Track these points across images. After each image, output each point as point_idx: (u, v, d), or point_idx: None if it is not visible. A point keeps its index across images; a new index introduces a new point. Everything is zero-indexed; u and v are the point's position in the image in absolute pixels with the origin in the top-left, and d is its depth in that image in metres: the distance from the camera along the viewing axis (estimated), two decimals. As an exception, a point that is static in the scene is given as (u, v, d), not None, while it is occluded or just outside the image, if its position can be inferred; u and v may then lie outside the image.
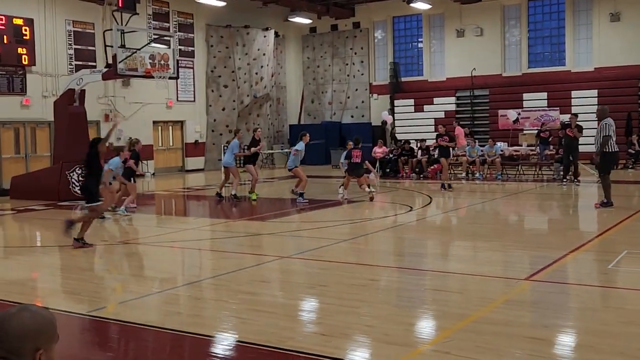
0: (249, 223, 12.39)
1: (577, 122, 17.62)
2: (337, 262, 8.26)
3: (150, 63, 16.71)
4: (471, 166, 20.86)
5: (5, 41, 19.94)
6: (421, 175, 21.03)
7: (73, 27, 22.37)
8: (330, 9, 29.63)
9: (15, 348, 1.99)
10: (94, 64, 22.37)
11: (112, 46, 16.34)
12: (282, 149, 28.97)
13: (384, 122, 27.72)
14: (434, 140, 17.96)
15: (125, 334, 5.73)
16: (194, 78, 27.03)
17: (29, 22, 20.60)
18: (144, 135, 23.53)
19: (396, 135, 27.46)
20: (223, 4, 25.61)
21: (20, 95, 20.73)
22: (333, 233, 10.76)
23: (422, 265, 8.30)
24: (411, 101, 28.93)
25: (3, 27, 19.85)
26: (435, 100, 28.47)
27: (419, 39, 30.08)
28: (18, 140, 20.94)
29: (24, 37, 20.44)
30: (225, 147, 19.86)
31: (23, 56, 20.44)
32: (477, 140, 21.98)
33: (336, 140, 29.00)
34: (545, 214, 13.68)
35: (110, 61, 16.63)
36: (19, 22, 20.34)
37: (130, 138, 14.92)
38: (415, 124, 27.78)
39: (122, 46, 16.32)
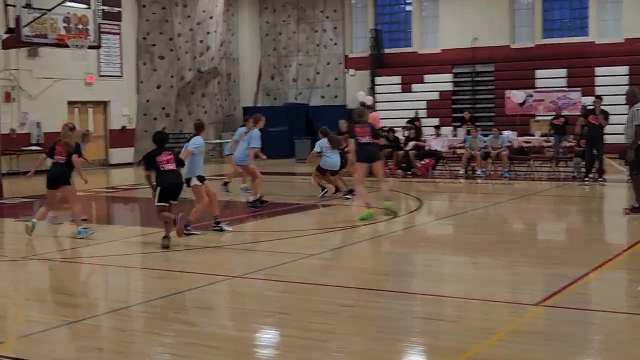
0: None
1: (602, 107, 17.86)
2: (302, 282, 8.23)
3: (64, 27, 16.67)
4: (471, 161, 21.03)
5: None
6: (408, 172, 21.13)
7: (-37, -21, 22.06)
8: (295, -40, 29.62)
9: None
10: (-9, 27, 22.11)
11: (14, 5, 16.19)
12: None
13: (362, 105, 27.78)
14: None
15: (29, 377, 5.65)
16: (120, 47, 26.82)
17: None
18: (57, 119, 23.19)
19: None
20: (158, -48, 25.47)
21: None
22: (298, 246, 10.72)
23: (410, 287, 8.32)
24: (397, 78, 29.09)
25: None
26: (427, 77, 28.65)
27: (407, 1, 30.23)
28: None
29: None
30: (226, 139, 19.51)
31: None
32: (479, 129, 22.16)
33: (302, 127, 28.94)
34: (563, 221, 13.84)
35: (12, 25, 16.46)
36: None
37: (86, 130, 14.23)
38: (402, 108, 27.84)
39: (28, 6, 16.21)
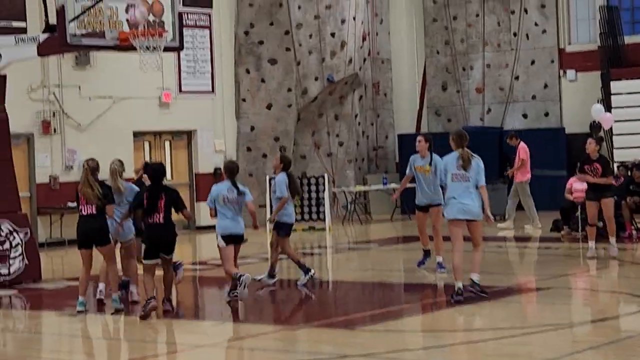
0: (322, 333, 12.49)
1: None
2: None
3: (128, 22, 17.07)
4: None
5: None
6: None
7: (-16, -44, 23.28)
8: None
9: None
10: (21, 25, 23.08)
11: (55, -8, 16.81)
12: (384, 183, 28.98)
13: (596, 126, 27.32)
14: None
15: None
16: (211, 48, 27.55)
17: None
18: (118, 157, 23.97)
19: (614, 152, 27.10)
20: None
21: None
22: (495, 354, 10.67)
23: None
24: (645, 83, 28.61)
25: None
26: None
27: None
28: None
29: None
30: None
31: None
32: None
33: (495, 160, 28.68)
34: None
35: (53, 21, 17.07)
36: None
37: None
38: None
39: (75, -9, 16.77)
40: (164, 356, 11.43)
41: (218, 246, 14.44)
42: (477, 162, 13.80)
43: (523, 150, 23.83)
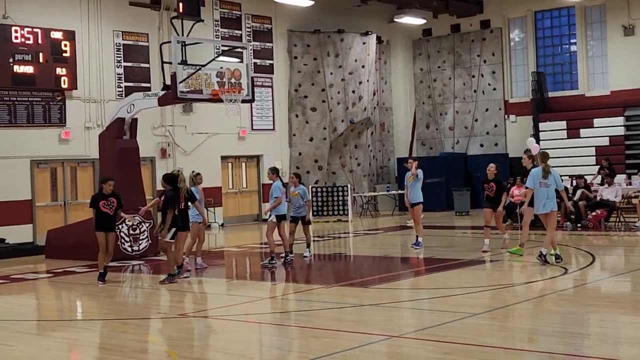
0: (345, 290, 12.48)
1: None
2: (466, 344, 8.11)
3: (218, 83, 17.15)
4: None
5: (41, 60, 21.00)
6: (578, 225, 20.50)
7: (122, 39, 23.44)
8: (450, 4, 29.60)
9: None
10: (147, 85, 23.26)
11: (170, 62, 16.93)
12: (387, 190, 29.01)
13: (528, 151, 27.15)
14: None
15: None
16: (272, 100, 27.65)
17: (70, 36, 21.69)
18: (211, 174, 24.15)
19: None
20: (310, 3, 26.10)
21: (58, 127, 21.81)
22: (460, 304, 10.62)
23: (583, 350, 8.02)
24: (562, 123, 28.37)
25: (39, 43, 20.95)
26: (596, 121, 27.78)
27: (571, 40, 29.58)
28: (55, 184, 21.97)
29: (64, 55, 21.46)
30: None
31: (62, 78, 21.46)
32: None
33: (460, 177, 28.76)
34: None
35: (168, 82, 17.22)
36: (58, 36, 21.44)
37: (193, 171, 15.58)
38: (569, 155, 27.14)
39: (183, 62, 16.90)
40: (241, 305, 11.45)
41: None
42: (554, 174, 13.95)
43: None
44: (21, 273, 15.59)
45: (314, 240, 16.88)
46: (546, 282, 12.46)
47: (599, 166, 24.73)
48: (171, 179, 13.60)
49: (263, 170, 27.42)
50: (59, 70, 21.38)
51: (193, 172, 15.34)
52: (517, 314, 10.13)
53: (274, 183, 15.46)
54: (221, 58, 19.78)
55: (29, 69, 20.77)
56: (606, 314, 9.97)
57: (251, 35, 27.01)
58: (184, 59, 16.96)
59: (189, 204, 13.72)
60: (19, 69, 20.58)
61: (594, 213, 20.50)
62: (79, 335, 9.91)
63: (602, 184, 21.91)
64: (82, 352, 9.00)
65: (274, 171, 15.95)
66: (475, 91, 31.09)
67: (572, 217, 20.70)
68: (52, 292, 14.10)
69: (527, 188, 14.46)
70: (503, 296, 11.31)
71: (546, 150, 15.33)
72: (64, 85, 21.57)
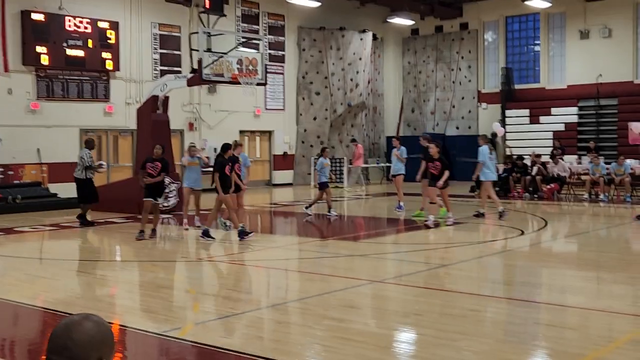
0: (340, 243, 12.51)
1: None
2: (435, 289, 8.16)
3: (237, 68, 17.11)
4: (595, 187, 20.11)
5: (90, 45, 20.95)
6: (535, 195, 20.50)
7: (159, 30, 23.32)
8: (435, 8, 29.44)
9: (80, 356, 2.11)
10: (179, 69, 23.19)
11: (197, 50, 16.89)
12: (377, 163, 28.97)
13: (494, 135, 27.15)
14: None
15: (201, 356, 5.89)
16: (283, 85, 27.54)
17: (114, 26, 21.61)
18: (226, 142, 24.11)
19: (508, 149, 26.86)
20: (317, 4, 25.97)
21: (103, 102, 21.79)
22: (432, 257, 10.68)
23: (534, 297, 8.07)
24: (526, 111, 28.27)
25: (89, 31, 20.91)
26: (554, 110, 27.67)
27: (536, 42, 29.38)
28: (100, 149, 21.96)
29: (109, 42, 21.40)
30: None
31: (107, 61, 21.41)
32: (602, 157, 21.15)
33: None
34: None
35: (195, 66, 17.17)
36: (105, 25, 21.35)
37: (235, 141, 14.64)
38: (530, 137, 27.06)
39: (208, 50, 16.84)
40: (258, 251, 11.50)
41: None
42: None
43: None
44: (70, 222, 15.65)
45: (317, 203, 16.85)
46: (506, 241, 12.49)
47: (552, 147, 24.68)
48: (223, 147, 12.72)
49: (274, 143, 27.45)
50: (104, 55, 21.33)
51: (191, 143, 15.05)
52: (480, 266, 10.17)
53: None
54: (241, 49, 19.67)
55: (79, 53, 20.69)
56: (555, 268, 10.01)
57: (267, 30, 26.85)
58: (209, 47, 16.91)
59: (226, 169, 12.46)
60: (71, 52, 20.49)
61: (548, 186, 20.50)
62: (115, 273, 9.97)
63: (554, 161, 21.84)
64: (118, 287, 9.06)
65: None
66: (453, 82, 30.92)
67: (530, 189, 20.72)
68: (95, 237, 14.15)
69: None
70: (469, 252, 11.34)
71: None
72: (109, 67, 21.52)
